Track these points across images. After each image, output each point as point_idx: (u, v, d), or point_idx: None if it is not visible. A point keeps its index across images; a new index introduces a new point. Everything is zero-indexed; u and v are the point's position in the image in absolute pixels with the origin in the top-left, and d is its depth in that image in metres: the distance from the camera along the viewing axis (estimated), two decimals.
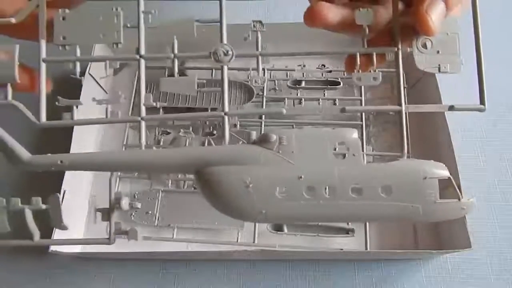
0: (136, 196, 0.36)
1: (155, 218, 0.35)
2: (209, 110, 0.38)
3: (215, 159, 0.22)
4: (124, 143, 0.38)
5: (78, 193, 0.36)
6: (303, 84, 0.42)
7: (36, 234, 0.23)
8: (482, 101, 0.22)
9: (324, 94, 0.41)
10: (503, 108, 0.40)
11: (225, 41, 0.23)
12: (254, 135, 0.22)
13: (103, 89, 0.41)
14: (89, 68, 0.38)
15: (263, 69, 0.40)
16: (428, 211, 0.21)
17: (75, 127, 0.32)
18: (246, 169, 0.21)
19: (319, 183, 0.21)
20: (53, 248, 0.30)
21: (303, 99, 0.40)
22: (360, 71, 0.23)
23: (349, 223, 0.34)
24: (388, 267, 0.33)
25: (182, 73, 0.41)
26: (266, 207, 0.21)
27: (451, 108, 0.23)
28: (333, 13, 0.23)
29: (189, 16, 0.23)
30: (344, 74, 0.42)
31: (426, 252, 0.32)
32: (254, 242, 0.33)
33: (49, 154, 0.23)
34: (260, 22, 0.23)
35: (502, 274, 0.33)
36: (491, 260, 0.34)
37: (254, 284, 0.33)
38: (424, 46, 0.23)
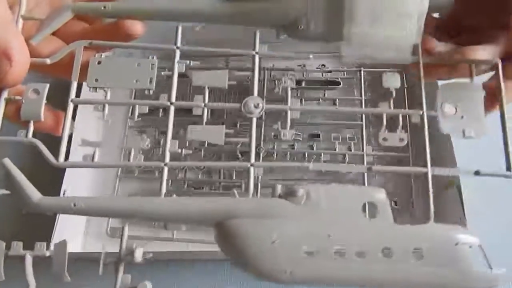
0: None
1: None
2: (209, 114, 0.37)
3: (239, 211, 0.21)
4: (124, 145, 0.38)
5: (78, 193, 0.34)
6: (303, 84, 0.40)
7: (32, 285, 0.21)
8: (508, 168, 0.22)
9: (324, 94, 0.41)
10: None
11: (255, 94, 0.24)
12: (279, 188, 0.22)
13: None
14: None
15: (263, 69, 0.39)
16: (459, 278, 0.19)
17: (75, 128, 0.32)
18: (272, 223, 0.20)
19: (349, 242, 0.20)
20: (52, 248, 0.29)
21: (303, 99, 0.40)
22: None
23: None
24: None
25: (183, 74, 0.40)
26: (291, 266, 0.19)
27: (477, 173, 0.23)
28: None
29: None
30: (344, 74, 0.41)
31: None
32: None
33: (62, 196, 0.22)
34: (291, 79, 0.24)
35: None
36: (491, 259, 0.32)
37: (254, 284, 0.33)
38: (449, 111, 0.23)
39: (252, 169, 0.22)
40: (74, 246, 0.33)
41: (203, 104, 0.24)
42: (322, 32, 0.24)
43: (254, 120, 0.23)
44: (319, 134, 0.38)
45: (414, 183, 0.37)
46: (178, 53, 0.24)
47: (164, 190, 0.22)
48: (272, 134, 0.37)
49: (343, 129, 0.39)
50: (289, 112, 0.23)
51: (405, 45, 0.24)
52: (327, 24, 0.24)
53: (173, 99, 0.24)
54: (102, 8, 0.25)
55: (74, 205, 0.21)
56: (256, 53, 0.24)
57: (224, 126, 0.23)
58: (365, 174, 0.34)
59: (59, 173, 0.31)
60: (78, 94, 0.24)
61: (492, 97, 0.23)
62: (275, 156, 0.37)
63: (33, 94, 0.23)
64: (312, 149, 0.37)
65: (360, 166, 0.23)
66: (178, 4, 0.25)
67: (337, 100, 0.40)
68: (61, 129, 0.23)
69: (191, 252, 0.33)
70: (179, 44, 0.25)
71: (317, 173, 0.37)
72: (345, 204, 0.21)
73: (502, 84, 0.23)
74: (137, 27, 0.24)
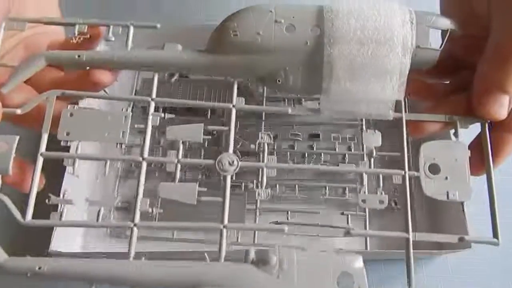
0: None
1: (155, 218, 0.33)
2: (209, 112, 0.37)
3: (208, 279, 0.20)
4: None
5: (78, 193, 0.34)
6: None
7: None
8: (495, 235, 0.21)
9: None
10: None
11: (230, 151, 0.23)
12: (252, 253, 0.21)
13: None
14: None
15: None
16: None
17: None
18: None
19: None
20: (52, 248, 0.29)
21: (303, 99, 0.38)
22: None
23: (349, 222, 0.33)
24: (388, 267, 0.33)
25: (185, 76, 0.39)
26: None
27: (461, 239, 0.22)
28: None
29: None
30: None
31: (426, 252, 0.32)
32: (254, 242, 0.32)
33: (28, 257, 0.21)
34: (268, 134, 0.23)
35: (502, 274, 0.32)
36: (491, 260, 0.33)
37: None
38: (433, 171, 0.22)
39: (225, 230, 0.22)
40: (74, 246, 0.32)
41: (176, 160, 0.23)
42: (301, 86, 0.23)
43: (229, 178, 0.22)
44: (319, 134, 0.37)
45: (415, 182, 0.36)
46: (153, 104, 0.24)
47: (133, 252, 0.21)
48: (272, 134, 0.36)
49: (343, 129, 0.38)
50: (265, 170, 0.22)
51: (386, 101, 0.23)
52: (306, 79, 0.23)
53: (146, 154, 0.23)
54: (77, 57, 0.24)
55: (39, 268, 0.20)
56: (233, 106, 0.24)
57: (197, 184, 0.22)
58: (365, 176, 0.33)
59: (59, 172, 0.30)
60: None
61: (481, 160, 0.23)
62: (275, 155, 0.36)
63: (2, 147, 0.23)
64: (312, 149, 0.37)
65: (338, 231, 0.22)
66: (155, 55, 0.24)
67: None
68: (27, 185, 0.22)
69: (191, 252, 0.32)
70: (154, 95, 0.24)
71: (316, 174, 0.36)
72: (320, 274, 0.20)
73: (488, 146, 0.22)
74: (105, 76, 0.24)
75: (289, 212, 0.34)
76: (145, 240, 0.33)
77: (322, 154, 0.36)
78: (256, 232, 0.32)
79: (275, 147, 0.36)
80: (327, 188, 0.35)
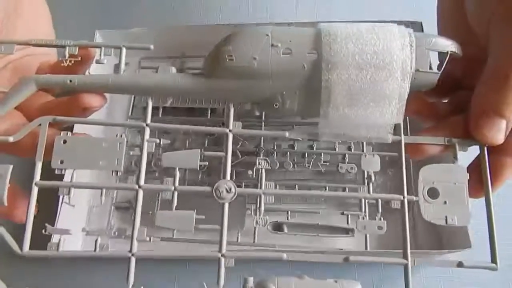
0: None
1: (155, 218, 0.34)
2: (209, 111, 0.37)
3: None
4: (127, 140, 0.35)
5: (78, 195, 0.33)
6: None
7: None
8: (493, 260, 0.22)
9: None
10: None
11: (228, 177, 0.23)
12: (251, 281, 0.21)
13: None
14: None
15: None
16: None
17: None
18: None
19: None
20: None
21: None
22: None
23: (349, 222, 0.34)
24: (388, 267, 0.33)
25: (181, 71, 0.38)
26: None
27: (460, 265, 0.22)
28: None
29: None
30: None
31: (426, 252, 0.32)
32: (254, 242, 0.32)
33: None
34: (266, 160, 0.23)
35: (502, 274, 0.32)
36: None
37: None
38: (431, 195, 0.22)
39: (223, 259, 0.21)
40: (74, 246, 0.33)
41: (172, 188, 0.22)
42: (298, 110, 0.23)
43: (227, 205, 0.22)
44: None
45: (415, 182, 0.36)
46: (147, 130, 0.23)
47: (132, 281, 0.21)
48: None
49: None
50: (262, 197, 0.22)
51: (385, 125, 0.22)
52: (304, 103, 0.23)
53: (142, 181, 0.22)
54: (68, 81, 0.23)
55: None
56: (230, 130, 0.23)
57: (194, 211, 0.22)
58: (365, 174, 0.34)
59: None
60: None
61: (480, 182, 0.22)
62: (275, 155, 0.36)
63: None
64: (312, 149, 0.37)
65: (337, 257, 0.22)
66: (150, 80, 0.23)
67: None
68: (18, 214, 0.22)
69: (191, 252, 0.31)
70: (148, 121, 0.23)
71: (317, 173, 0.37)
72: None
73: (487, 169, 0.22)
74: (95, 100, 0.23)
75: (289, 212, 0.34)
76: (145, 240, 0.32)
77: (322, 154, 0.36)
78: (256, 232, 0.32)
79: (275, 147, 0.36)
80: (327, 188, 0.35)
